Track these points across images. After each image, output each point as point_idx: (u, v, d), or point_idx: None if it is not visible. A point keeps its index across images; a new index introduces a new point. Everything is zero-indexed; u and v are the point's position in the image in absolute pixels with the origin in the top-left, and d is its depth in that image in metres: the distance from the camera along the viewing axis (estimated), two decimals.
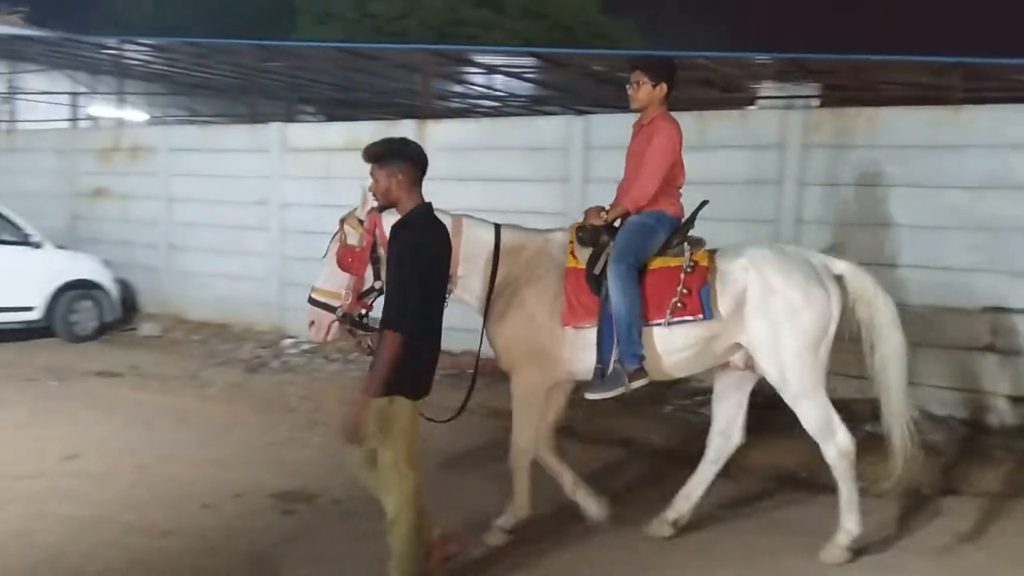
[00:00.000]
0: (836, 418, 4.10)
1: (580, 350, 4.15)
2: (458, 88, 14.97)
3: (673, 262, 4.12)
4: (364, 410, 3.21)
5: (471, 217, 4.34)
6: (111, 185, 11.68)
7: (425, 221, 3.42)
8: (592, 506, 4.39)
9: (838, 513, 4.10)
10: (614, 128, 8.15)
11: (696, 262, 4.09)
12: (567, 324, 4.11)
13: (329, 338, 3.90)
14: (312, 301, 3.91)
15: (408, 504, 3.30)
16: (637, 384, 4.02)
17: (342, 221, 3.95)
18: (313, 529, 4.34)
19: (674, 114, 4.37)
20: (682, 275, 4.05)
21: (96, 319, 9.88)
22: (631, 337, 3.97)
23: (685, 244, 4.18)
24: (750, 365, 4.22)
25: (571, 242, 4.21)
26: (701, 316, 4.02)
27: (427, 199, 3.46)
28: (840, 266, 4.26)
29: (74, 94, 14.81)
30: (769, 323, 4.03)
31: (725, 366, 4.31)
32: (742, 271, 4.09)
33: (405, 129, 9.29)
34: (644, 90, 4.24)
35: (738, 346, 4.16)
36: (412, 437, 3.36)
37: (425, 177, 3.43)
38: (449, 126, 9.46)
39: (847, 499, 4.08)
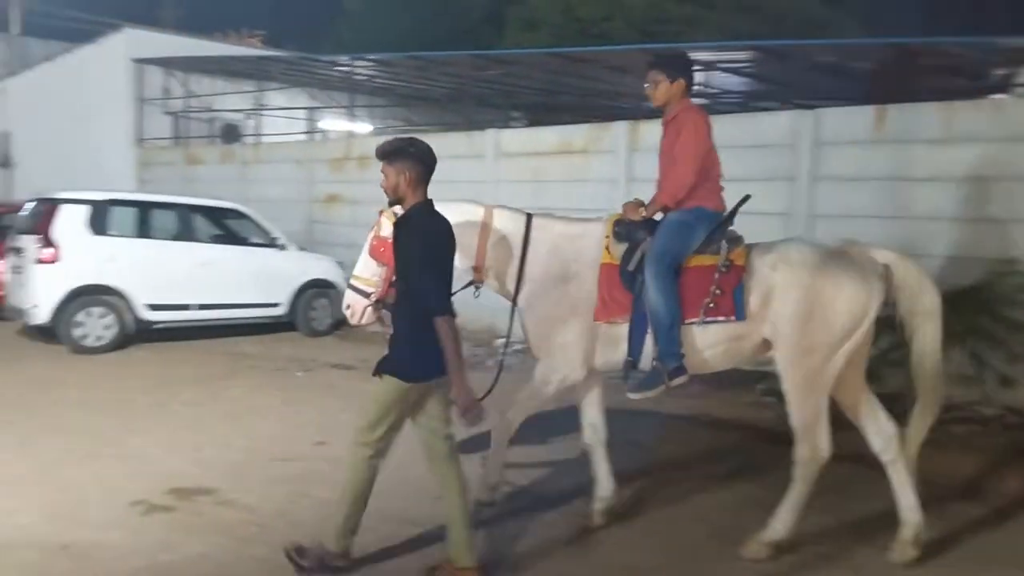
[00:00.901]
0: (824, 424, 3.96)
1: (610, 345, 4.16)
2: None
3: (709, 261, 4.05)
4: (470, 393, 3.42)
5: (504, 208, 4.42)
6: (342, 192, 12.65)
7: (425, 214, 3.56)
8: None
9: (776, 510, 4.00)
10: (846, 123, 7.68)
11: (732, 261, 4.01)
12: (599, 319, 4.13)
13: (364, 321, 4.07)
14: (350, 287, 4.10)
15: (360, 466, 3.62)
16: (677, 383, 4.02)
17: (380, 213, 4.09)
18: (546, 533, 4.41)
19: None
20: (716, 275, 3.99)
21: (331, 316, 10.72)
22: (671, 337, 3.96)
23: (723, 242, 4.07)
24: None
25: (607, 236, 4.19)
26: (734, 317, 3.98)
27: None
28: (885, 256, 4.06)
29: (310, 108, 16.19)
30: (793, 318, 3.93)
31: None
32: (770, 269, 4.00)
33: (617, 131, 9.31)
34: (662, 88, 4.22)
35: (768, 342, 4.06)
36: (396, 415, 3.58)
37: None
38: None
39: (792, 499, 3.98)
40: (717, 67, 12.19)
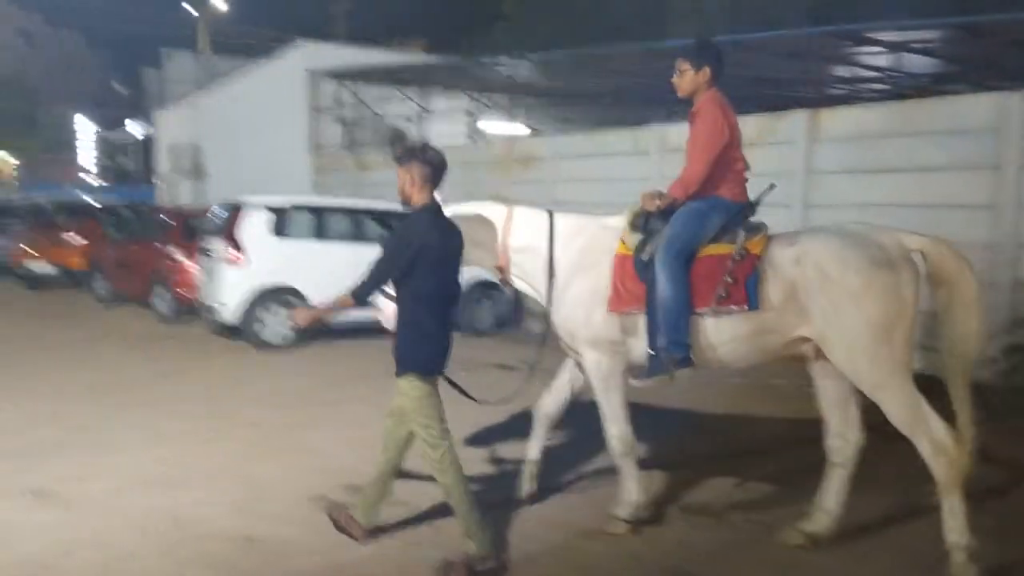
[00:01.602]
0: (926, 408, 3.67)
1: (629, 336, 4.11)
2: (841, 72, 13.77)
3: (724, 250, 3.93)
4: (311, 313, 3.95)
5: (523, 208, 4.47)
6: (505, 193, 12.71)
7: (424, 216, 3.74)
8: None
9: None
10: None
11: (747, 250, 3.88)
12: (612, 309, 4.09)
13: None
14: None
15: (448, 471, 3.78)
16: (682, 373, 3.95)
17: None
18: (728, 548, 4.10)
19: None
20: (730, 263, 3.86)
21: (493, 316, 10.76)
22: (677, 326, 3.89)
23: (741, 231, 3.94)
24: (821, 355, 3.86)
25: (624, 228, 4.15)
26: (746, 307, 3.82)
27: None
28: (918, 242, 3.79)
29: (467, 111, 16.46)
30: (828, 314, 3.71)
31: (813, 359, 3.97)
32: (792, 262, 3.81)
33: (795, 120, 8.72)
34: (687, 77, 4.14)
35: (803, 339, 3.86)
36: (439, 413, 3.79)
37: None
38: (847, 113, 8.63)
39: (948, 509, 3.59)
40: (907, 48, 11.21)
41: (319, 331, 9.63)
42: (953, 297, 3.73)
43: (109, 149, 45.41)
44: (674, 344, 3.92)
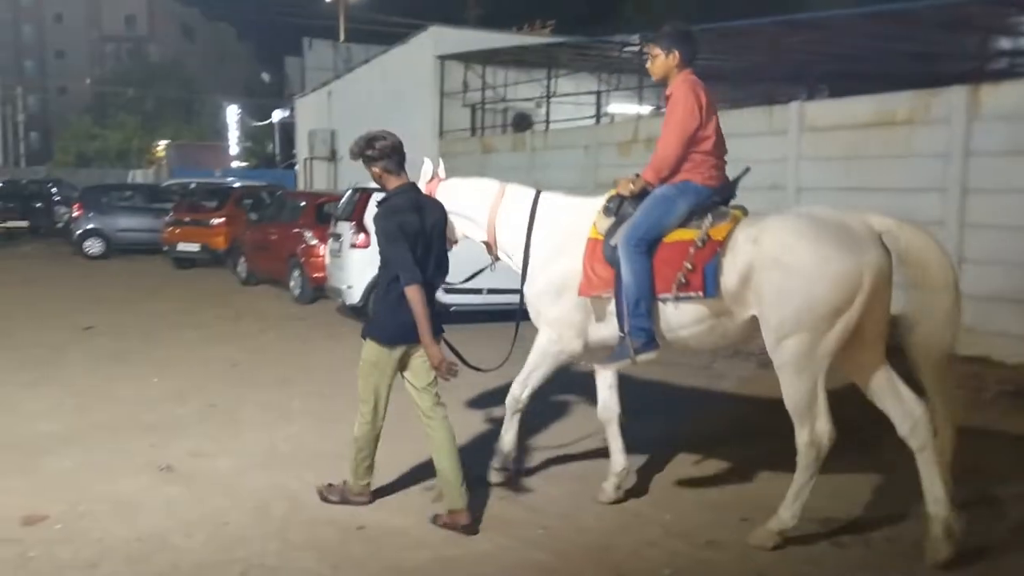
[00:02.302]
0: (822, 404, 3.72)
1: (599, 319, 4.16)
2: (1004, 44, 12.51)
3: (688, 235, 3.90)
4: (439, 351, 3.97)
5: (515, 186, 4.61)
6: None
7: (398, 198, 4.07)
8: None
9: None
10: None
11: (709, 236, 3.84)
12: (582, 293, 4.14)
13: None
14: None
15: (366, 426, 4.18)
16: (644, 358, 3.99)
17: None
18: (869, 571, 3.72)
19: None
20: (692, 250, 3.84)
21: None
22: (638, 311, 3.91)
23: (708, 216, 3.89)
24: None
25: (598, 212, 4.18)
26: (702, 293, 3.83)
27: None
28: (883, 223, 3.72)
29: (595, 92, 16.10)
30: (775, 293, 3.68)
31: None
32: (750, 243, 3.77)
33: (953, 97, 7.91)
34: (658, 61, 4.13)
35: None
36: (385, 378, 4.09)
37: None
38: (1012, 89, 7.76)
39: (796, 487, 3.79)
40: None
41: (450, 314, 9.69)
42: (924, 279, 3.66)
43: (253, 135, 47.94)
44: (635, 330, 3.95)
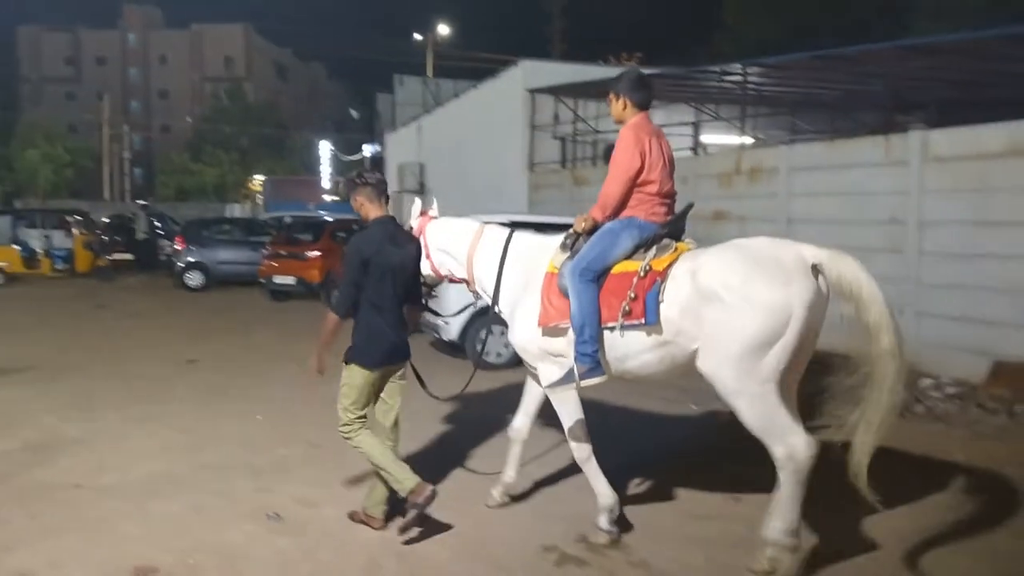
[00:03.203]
0: (787, 421, 3.79)
1: (565, 348, 4.31)
2: None
3: (632, 267, 4.12)
4: (318, 356, 4.32)
5: (493, 224, 4.93)
6: (730, 208, 11.91)
7: (372, 231, 4.37)
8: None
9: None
10: None
11: (651, 267, 4.07)
12: (541, 324, 4.35)
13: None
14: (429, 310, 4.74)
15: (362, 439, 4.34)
16: (588, 383, 4.17)
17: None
18: None
19: None
20: (635, 280, 4.05)
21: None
22: (582, 338, 4.11)
23: (653, 249, 4.14)
24: None
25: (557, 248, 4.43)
26: (642, 321, 4.00)
27: None
28: (816, 254, 3.84)
29: (692, 123, 15.73)
30: (711, 324, 3.85)
31: None
32: (688, 276, 3.97)
33: None
34: (614, 106, 4.44)
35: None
36: (364, 397, 4.35)
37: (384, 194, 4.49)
38: None
39: (784, 505, 3.80)
40: None
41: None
42: (858, 311, 3.74)
43: (345, 169, 49.22)
44: (580, 355, 4.16)
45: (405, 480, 4.26)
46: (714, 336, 3.83)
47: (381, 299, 4.33)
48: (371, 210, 4.45)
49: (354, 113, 60.16)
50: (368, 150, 38.32)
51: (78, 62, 73.63)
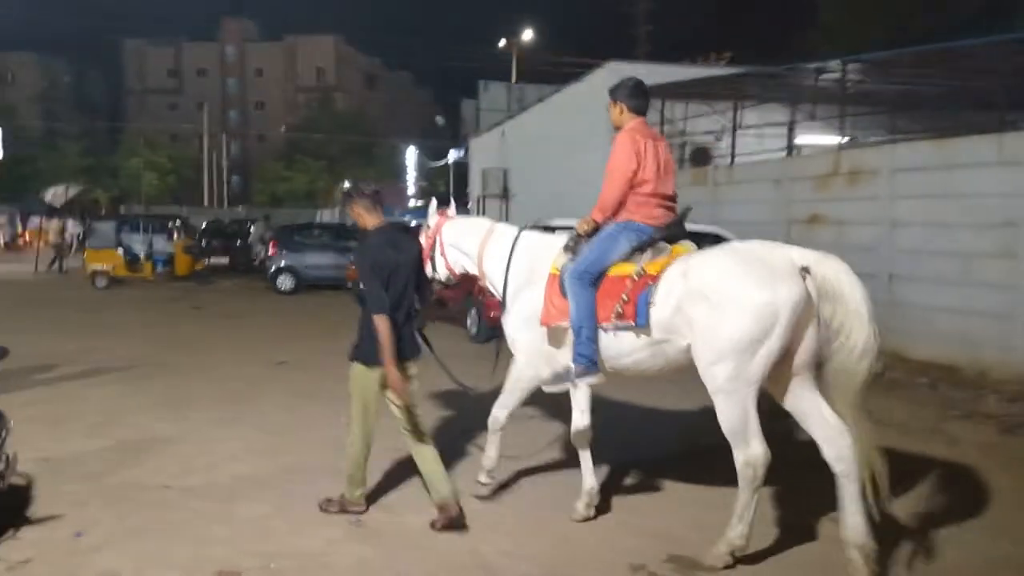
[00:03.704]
0: (755, 427, 3.92)
1: (560, 347, 4.50)
2: None
3: (627, 270, 4.24)
4: (397, 375, 4.38)
5: (503, 225, 5.14)
6: (826, 211, 11.38)
7: (374, 238, 4.58)
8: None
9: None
10: None
11: (645, 270, 4.19)
12: (543, 323, 4.51)
13: None
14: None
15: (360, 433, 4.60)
16: (584, 382, 4.47)
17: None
18: None
19: None
20: (629, 283, 4.18)
21: None
22: (579, 339, 4.28)
23: (648, 252, 4.26)
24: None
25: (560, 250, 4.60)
26: (634, 323, 4.14)
27: None
28: (806, 257, 3.93)
29: (787, 124, 15.14)
30: (702, 325, 3.94)
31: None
32: (681, 278, 4.07)
33: None
34: (612, 112, 4.63)
35: None
36: (373, 395, 4.52)
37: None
38: None
39: (740, 508, 3.99)
40: None
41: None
42: (838, 311, 3.81)
43: (429, 175, 49.85)
44: (577, 355, 4.32)
45: (354, 488, 4.70)
46: (706, 336, 3.95)
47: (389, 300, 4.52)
48: (369, 220, 4.67)
49: (439, 120, 60.94)
50: (452, 156, 38.66)
51: (180, 74, 77.15)
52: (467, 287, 11.82)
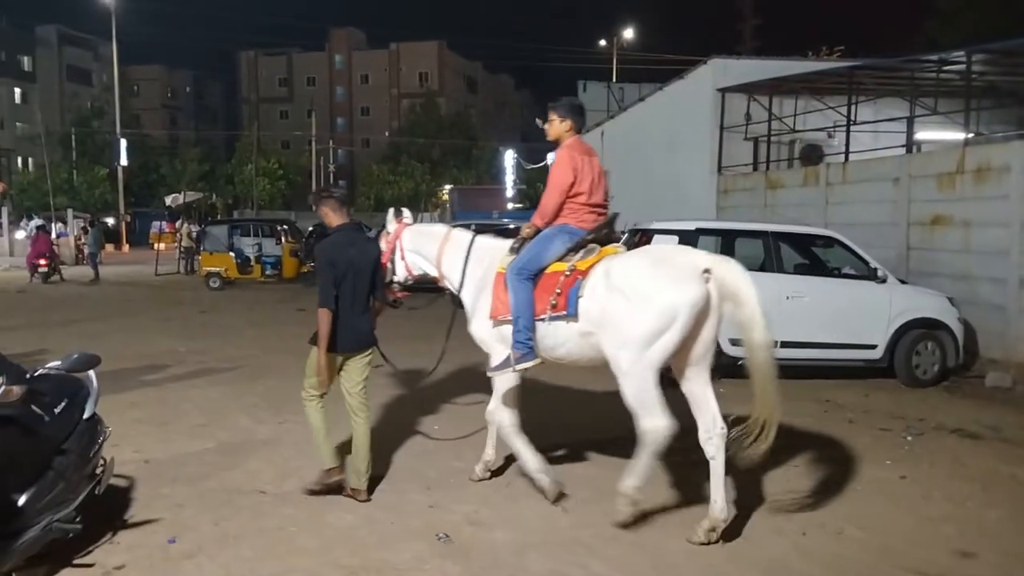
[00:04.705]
0: (658, 403, 4.41)
1: (506, 337, 4.99)
2: None
3: (561, 267, 4.85)
4: (321, 349, 4.89)
5: (458, 231, 5.68)
6: (951, 212, 10.57)
7: (335, 237, 5.12)
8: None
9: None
10: None
11: (575, 267, 4.80)
12: (491, 316, 5.07)
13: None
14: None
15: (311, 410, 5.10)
16: (522, 367, 4.92)
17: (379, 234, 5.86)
18: None
19: None
20: (562, 278, 4.78)
21: (938, 363, 8.89)
22: (518, 328, 4.85)
23: (580, 252, 4.85)
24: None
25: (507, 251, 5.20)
26: (565, 313, 4.73)
27: None
28: (707, 261, 4.46)
29: (907, 118, 14.22)
30: (614, 317, 4.49)
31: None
32: (602, 275, 4.65)
33: None
34: (555, 125, 5.18)
35: None
36: (322, 374, 4.94)
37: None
38: None
39: (638, 467, 4.47)
40: None
41: (735, 368, 8.77)
42: (739, 310, 4.32)
43: (528, 177, 49.87)
44: (516, 343, 4.88)
45: (326, 458, 5.05)
46: (615, 326, 4.50)
47: (343, 294, 4.93)
48: (334, 219, 5.16)
49: (539, 122, 60.95)
50: (551, 158, 38.49)
51: (291, 83, 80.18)
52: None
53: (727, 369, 8.80)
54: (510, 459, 5.49)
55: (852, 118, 14.34)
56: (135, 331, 12.35)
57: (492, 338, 5.11)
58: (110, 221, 42.66)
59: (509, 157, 50.36)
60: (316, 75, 79.32)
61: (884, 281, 8.88)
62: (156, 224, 39.54)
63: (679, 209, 15.02)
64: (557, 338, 4.83)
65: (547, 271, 4.87)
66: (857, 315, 8.80)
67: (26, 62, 66.79)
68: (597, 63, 35.91)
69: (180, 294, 19.07)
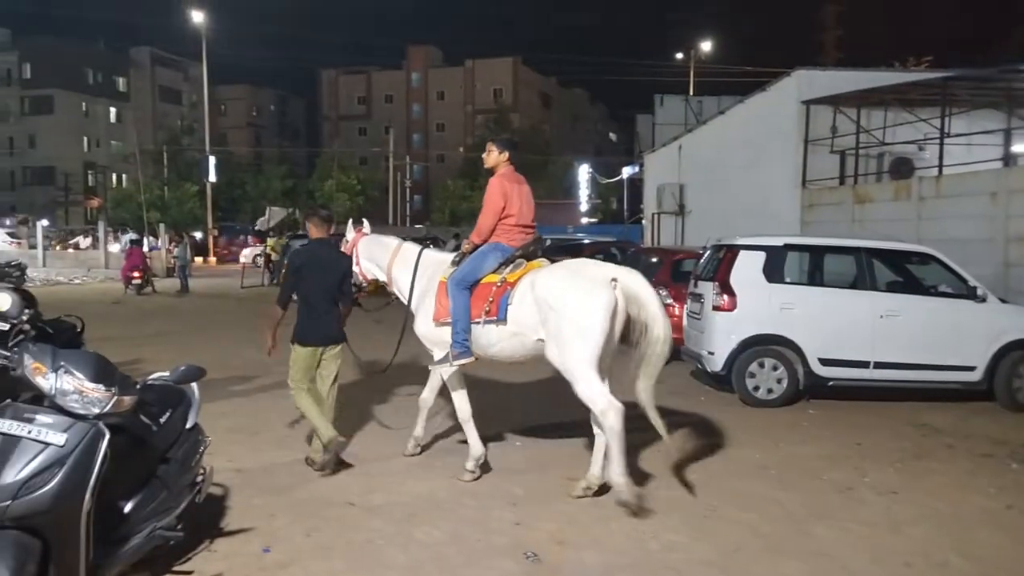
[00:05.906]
0: (599, 389, 5.19)
1: (449, 338, 5.77)
2: None
3: (494, 279, 5.70)
4: (264, 335, 6.09)
5: (408, 243, 6.59)
6: None
7: (309, 247, 6.17)
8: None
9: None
10: None
11: (505, 279, 5.65)
12: (434, 319, 5.90)
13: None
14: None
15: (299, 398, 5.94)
16: (459, 363, 5.77)
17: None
18: None
19: None
20: (494, 288, 5.63)
21: None
22: (456, 330, 5.68)
23: (510, 266, 5.72)
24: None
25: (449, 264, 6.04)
26: (496, 318, 5.58)
27: None
28: (615, 272, 5.37)
29: (1005, 131, 13.63)
30: (547, 324, 5.33)
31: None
32: (528, 286, 5.51)
33: None
34: (493, 155, 6.03)
35: (542, 340, 5.44)
36: (303, 368, 5.94)
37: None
38: None
39: (612, 451, 5.11)
40: None
41: (824, 389, 8.51)
42: (642, 312, 5.22)
43: (602, 192, 49.66)
44: (454, 343, 5.69)
45: (326, 432, 5.76)
46: (553, 333, 5.29)
47: (313, 297, 5.89)
48: (315, 232, 6.10)
49: (612, 136, 60.77)
50: (627, 172, 38.26)
51: (369, 101, 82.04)
52: None
53: (816, 390, 8.60)
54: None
55: (946, 130, 13.81)
56: (223, 342, 12.77)
57: (434, 337, 5.92)
58: (198, 235, 44.31)
59: (583, 171, 50.28)
60: (393, 93, 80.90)
61: (984, 300, 8.47)
62: (241, 239, 41.05)
63: (761, 224, 14.70)
64: (490, 338, 5.66)
65: (482, 282, 5.71)
66: (955, 335, 8.42)
67: (121, 83, 70.39)
68: (674, 76, 35.51)
69: (264, 307, 19.61)
